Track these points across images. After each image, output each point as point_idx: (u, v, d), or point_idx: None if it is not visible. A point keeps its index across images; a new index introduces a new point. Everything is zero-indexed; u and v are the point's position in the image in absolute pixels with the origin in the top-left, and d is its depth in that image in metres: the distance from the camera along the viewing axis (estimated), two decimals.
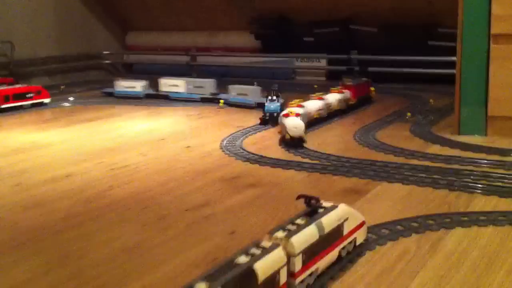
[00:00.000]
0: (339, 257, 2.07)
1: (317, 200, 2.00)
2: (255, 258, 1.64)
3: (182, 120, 5.19)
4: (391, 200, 2.80)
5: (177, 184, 3.21)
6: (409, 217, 2.52)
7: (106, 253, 2.29)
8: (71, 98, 6.42)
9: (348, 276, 2.02)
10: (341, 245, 2.06)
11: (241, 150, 3.84)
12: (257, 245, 1.73)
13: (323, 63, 7.75)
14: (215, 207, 2.78)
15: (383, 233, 2.36)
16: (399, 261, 2.12)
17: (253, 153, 3.73)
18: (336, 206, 2.06)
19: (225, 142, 4.11)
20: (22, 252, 2.31)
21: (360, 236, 2.20)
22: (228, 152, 3.83)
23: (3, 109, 5.56)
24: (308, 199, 1.99)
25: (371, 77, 5.88)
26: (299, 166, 3.38)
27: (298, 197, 2.00)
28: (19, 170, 3.55)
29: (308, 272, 1.85)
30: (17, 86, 5.85)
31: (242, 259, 1.64)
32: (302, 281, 1.83)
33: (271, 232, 1.82)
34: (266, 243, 1.74)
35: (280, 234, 1.80)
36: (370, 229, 2.32)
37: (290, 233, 1.80)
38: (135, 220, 2.66)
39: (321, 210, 2.01)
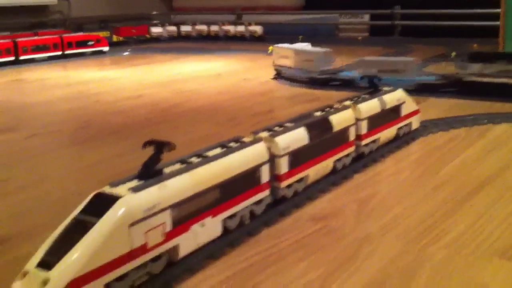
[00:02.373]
0: (397, 136, 2.35)
1: (379, 78, 2.27)
2: (330, 112, 1.93)
3: (233, 63, 5.49)
4: (440, 108, 3.04)
5: (242, 100, 3.53)
6: (458, 115, 2.77)
7: (186, 139, 2.62)
8: (128, 49, 6.82)
9: (403, 151, 2.30)
10: (399, 125, 2.33)
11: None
12: (330, 106, 2.02)
13: (366, 18, 7.89)
14: (279, 113, 3.08)
15: (434, 125, 2.62)
16: (450, 142, 2.39)
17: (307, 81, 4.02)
18: (395, 89, 2.33)
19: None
20: (118, 136, 2.68)
21: (415, 122, 2.47)
22: (283, 81, 4.11)
23: (67, 54, 5.97)
24: (371, 78, 2.26)
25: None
26: (350, 88, 3.64)
27: (362, 77, 2.27)
28: (96, 92, 3.93)
29: (371, 138, 2.13)
30: (79, 33, 6.24)
31: (319, 113, 1.94)
32: (366, 145, 2.12)
33: (340, 101, 2.10)
34: (337, 106, 2.03)
35: (348, 102, 2.09)
36: (422, 123, 2.59)
37: (357, 101, 2.08)
38: (208, 120, 2.99)
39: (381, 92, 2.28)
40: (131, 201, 1.16)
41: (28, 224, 1.66)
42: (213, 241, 1.40)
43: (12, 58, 5.42)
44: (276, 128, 1.71)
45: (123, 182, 1.24)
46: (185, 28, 8.13)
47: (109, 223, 1.12)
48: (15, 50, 5.42)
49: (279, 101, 3.41)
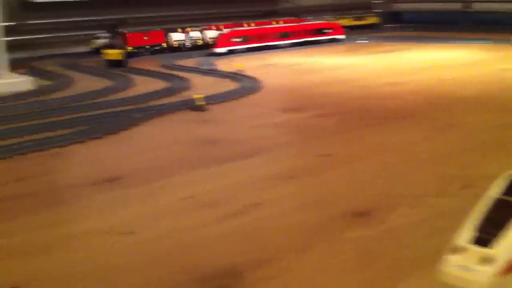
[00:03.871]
0: None
1: None
2: None
3: (475, 52, 5.22)
4: None
5: None
6: None
7: (486, 126, 2.56)
8: (364, 38, 6.89)
9: None
10: None
11: None
12: None
13: None
14: None
15: None
16: None
17: None
18: None
19: None
20: (404, 121, 2.73)
21: None
22: None
23: (304, 42, 6.22)
24: None
25: None
26: None
27: None
28: (348, 79, 4.04)
29: None
30: (316, 22, 6.46)
31: None
32: None
33: None
34: None
35: None
36: None
37: None
38: (487, 109, 2.88)
39: None
40: None
41: (375, 196, 1.73)
42: None
43: (260, 44, 5.81)
44: None
45: None
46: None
47: None
48: (262, 37, 5.81)
49: None
